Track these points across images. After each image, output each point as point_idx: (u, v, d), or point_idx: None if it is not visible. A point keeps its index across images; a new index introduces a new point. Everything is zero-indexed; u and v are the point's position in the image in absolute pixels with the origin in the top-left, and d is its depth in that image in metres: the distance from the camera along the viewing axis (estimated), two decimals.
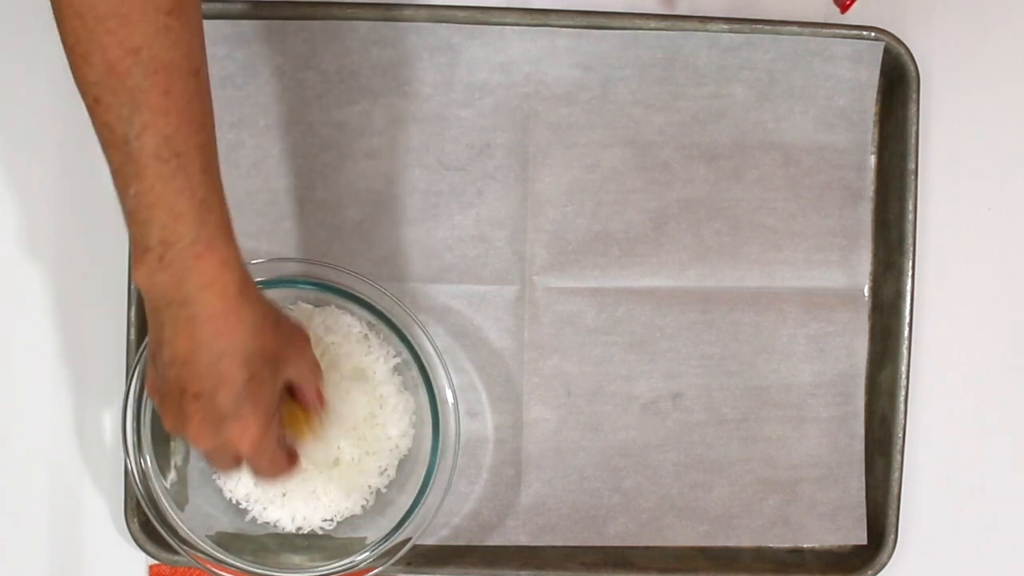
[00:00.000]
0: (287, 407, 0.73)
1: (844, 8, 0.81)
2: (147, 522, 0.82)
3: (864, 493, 0.87)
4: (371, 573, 0.80)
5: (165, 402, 0.68)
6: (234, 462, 0.70)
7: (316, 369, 0.74)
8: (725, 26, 0.85)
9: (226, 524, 0.83)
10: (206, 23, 0.83)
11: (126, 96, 0.62)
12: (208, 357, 0.65)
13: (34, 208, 0.85)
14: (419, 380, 0.81)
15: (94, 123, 0.63)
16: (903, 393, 0.86)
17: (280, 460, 0.71)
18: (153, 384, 0.69)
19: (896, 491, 0.86)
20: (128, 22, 0.61)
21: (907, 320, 0.85)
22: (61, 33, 0.62)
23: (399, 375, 0.83)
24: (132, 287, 0.83)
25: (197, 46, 0.64)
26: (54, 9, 0.62)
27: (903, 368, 0.86)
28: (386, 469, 0.83)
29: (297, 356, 0.71)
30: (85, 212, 0.85)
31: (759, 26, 0.86)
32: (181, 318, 0.65)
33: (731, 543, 0.87)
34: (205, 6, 0.83)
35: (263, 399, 0.67)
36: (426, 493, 0.80)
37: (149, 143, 0.62)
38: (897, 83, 0.87)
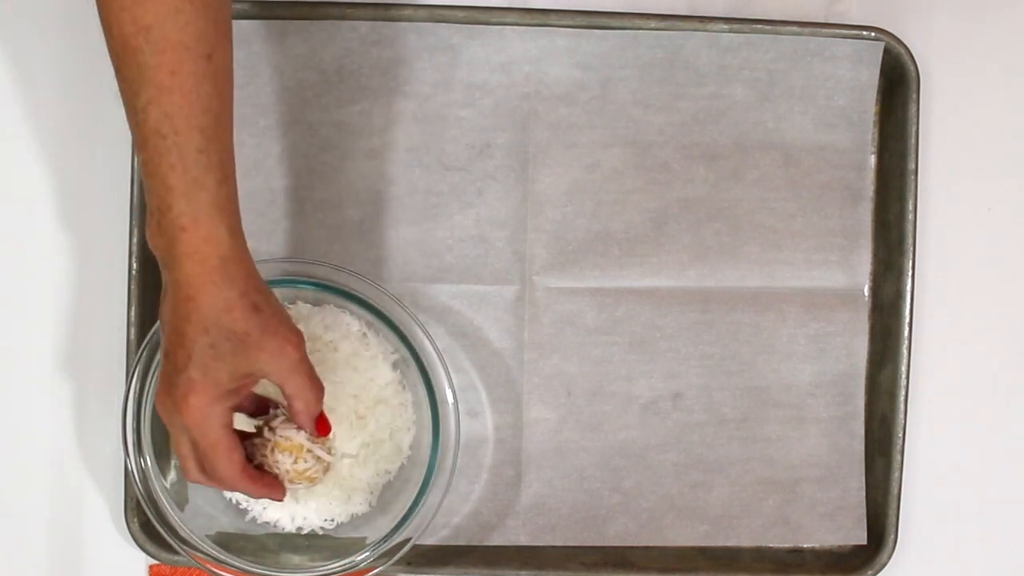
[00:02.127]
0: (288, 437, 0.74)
1: None
2: (147, 522, 0.82)
3: (864, 493, 0.87)
4: (371, 573, 0.80)
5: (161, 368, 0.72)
6: (189, 448, 0.71)
7: (306, 381, 0.72)
8: (725, 26, 0.85)
9: (226, 524, 0.83)
10: None
11: (136, 71, 0.65)
12: (177, 318, 0.68)
13: (34, 207, 0.85)
14: (419, 380, 0.81)
15: (119, 85, 0.67)
16: (903, 393, 0.86)
17: (228, 463, 0.71)
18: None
19: (896, 491, 0.86)
20: (142, 1, 0.64)
21: (907, 320, 0.85)
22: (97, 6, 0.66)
23: (398, 372, 0.83)
24: (131, 288, 0.83)
25: (211, 32, 0.66)
26: None
27: (903, 368, 0.85)
28: (386, 469, 0.83)
29: (276, 352, 0.70)
30: (84, 211, 0.85)
31: (759, 26, 0.86)
32: (169, 281, 0.69)
33: (731, 543, 0.87)
34: None
35: (217, 371, 0.68)
36: (426, 493, 0.80)
37: (151, 117, 0.66)
38: (897, 83, 0.87)
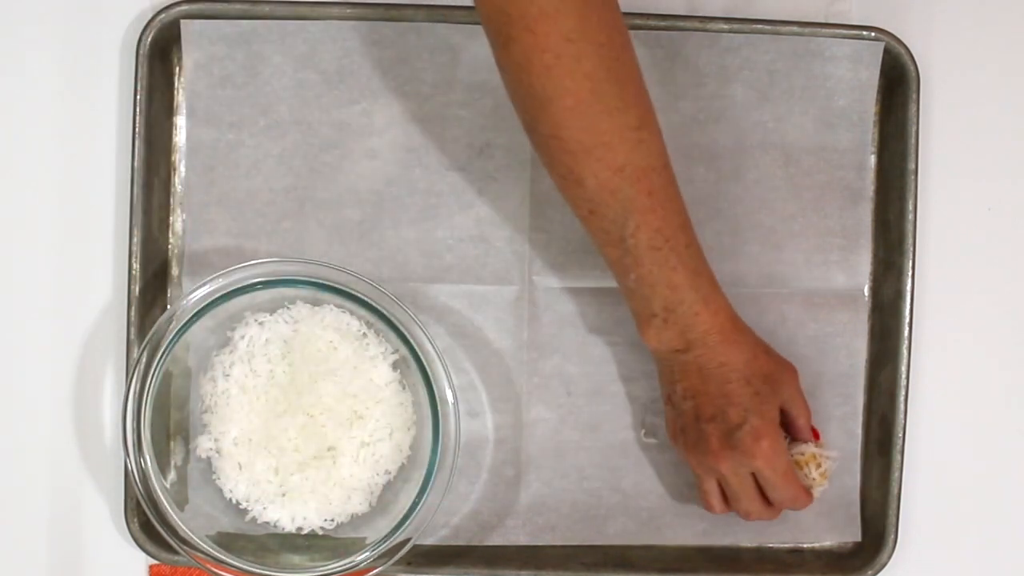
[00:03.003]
0: (798, 451, 0.82)
1: None
2: (147, 522, 0.82)
3: (859, 491, 0.87)
4: (371, 573, 0.80)
5: (687, 434, 0.80)
6: (754, 490, 0.80)
7: (804, 400, 0.81)
8: (725, 26, 0.85)
9: (226, 524, 0.83)
10: (206, 23, 0.84)
11: (617, 206, 0.72)
12: (715, 384, 0.77)
13: (34, 208, 0.85)
14: (419, 380, 0.81)
15: (588, 228, 0.74)
16: (903, 393, 0.86)
17: (796, 482, 0.80)
18: (673, 424, 0.81)
19: (896, 491, 0.86)
20: (611, 148, 0.70)
21: (907, 320, 0.85)
22: (551, 165, 0.73)
23: (398, 372, 0.83)
24: (131, 288, 0.83)
25: (661, 142, 0.73)
26: (541, 147, 0.72)
27: (903, 368, 0.85)
28: (386, 469, 0.83)
29: (789, 381, 0.80)
30: (85, 211, 0.85)
31: (759, 26, 0.86)
32: (689, 361, 0.77)
33: (728, 541, 0.87)
34: (205, 6, 0.84)
35: (768, 412, 0.78)
36: (426, 493, 0.80)
37: (643, 239, 0.73)
38: (897, 83, 0.87)
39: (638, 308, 0.77)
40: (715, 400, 0.77)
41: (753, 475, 0.79)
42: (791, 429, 0.81)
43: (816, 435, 0.82)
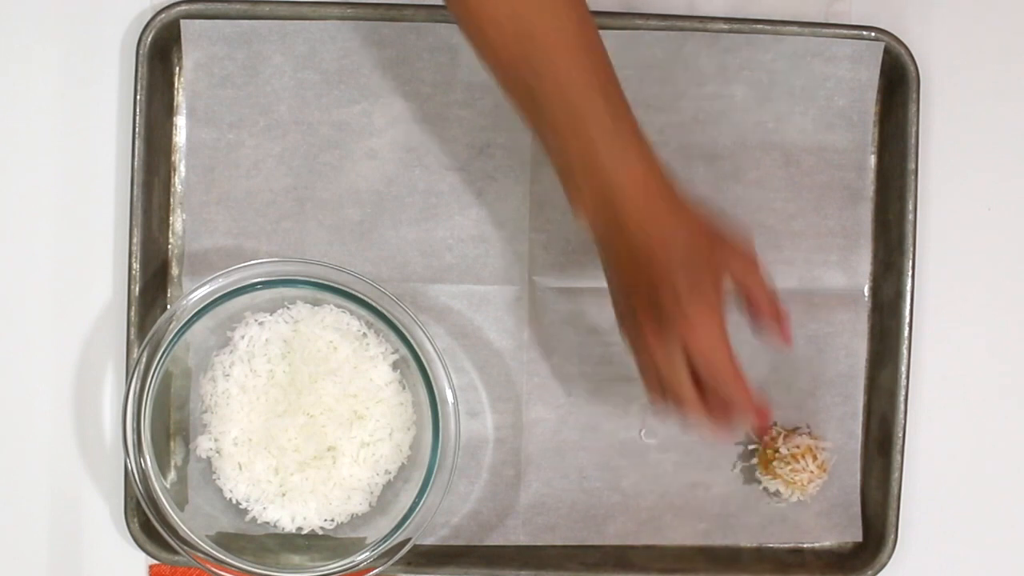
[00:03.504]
0: (792, 445, 0.82)
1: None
2: (147, 522, 0.82)
3: (859, 491, 0.87)
4: (371, 573, 0.80)
5: (625, 321, 0.72)
6: (686, 375, 0.70)
7: (759, 275, 0.72)
8: (725, 26, 0.85)
9: (226, 524, 0.83)
10: (206, 23, 0.84)
11: (519, 50, 0.68)
12: (644, 258, 0.69)
13: (34, 207, 0.85)
14: (419, 380, 0.81)
15: (500, 82, 0.71)
16: (903, 393, 0.86)
17: (732, 366, 0.70)
18: (617, 311, 0.73)
19: (896, 491, 0.86)
20: None
21: (907, 320, 0.85)
22: (461, 21, 0.70)
23: (398, 372, 0.83)
24: (131, 288, 0.83)
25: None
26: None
27: (903, 368, 0.85)
28: (386, 469, 0.83)
29: (735, 253, 0.71)
30: (85, 211, 0.85)
31: (759, 26, 0.86)
32: (615, 233, 0.70)
33: (728, 541, 0.87)
34: (205, 6, 0.83)
35: (703, 288, 0.69)
36: (426, 493, 0.80)
37: (551, 89, 0.68)
38: (897, 83, 0.87)
39: (565, 180, 0.70)
40: (644, 275, 0.70)
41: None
42: (751, 307, 0.73)
43: (782, 316, 0.73)
